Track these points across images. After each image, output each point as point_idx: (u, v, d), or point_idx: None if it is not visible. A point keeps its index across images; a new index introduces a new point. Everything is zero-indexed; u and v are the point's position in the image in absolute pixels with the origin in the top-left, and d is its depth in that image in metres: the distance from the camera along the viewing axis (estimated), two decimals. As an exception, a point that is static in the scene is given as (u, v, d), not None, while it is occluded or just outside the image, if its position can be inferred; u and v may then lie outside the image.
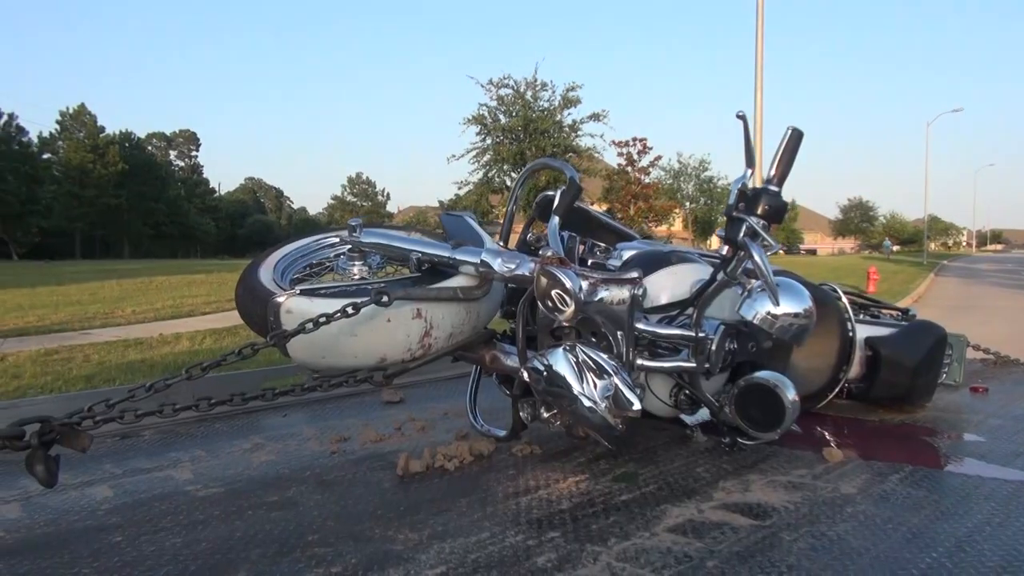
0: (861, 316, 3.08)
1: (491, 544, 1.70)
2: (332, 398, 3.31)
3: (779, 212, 1.97)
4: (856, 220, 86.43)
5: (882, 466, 2.25)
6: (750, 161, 2.00)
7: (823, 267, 23.90)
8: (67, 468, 2.15)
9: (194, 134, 73.28)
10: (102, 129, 53.93)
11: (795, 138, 1.98)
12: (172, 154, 70.84)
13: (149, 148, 63.97)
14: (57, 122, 53.35)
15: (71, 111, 53.36)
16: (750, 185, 2.01)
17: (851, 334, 2.75)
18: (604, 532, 1.75)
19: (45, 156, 50.42)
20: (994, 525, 1.78)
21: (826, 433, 2.66)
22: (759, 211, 1.95)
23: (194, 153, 72.74)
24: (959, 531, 1.74)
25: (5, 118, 44.35)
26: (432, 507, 1.95)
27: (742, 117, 1.99)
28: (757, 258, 1.93)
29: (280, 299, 2.11)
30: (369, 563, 1.60)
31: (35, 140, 49.50)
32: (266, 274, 2.36)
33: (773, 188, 1.98)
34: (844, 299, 2.89)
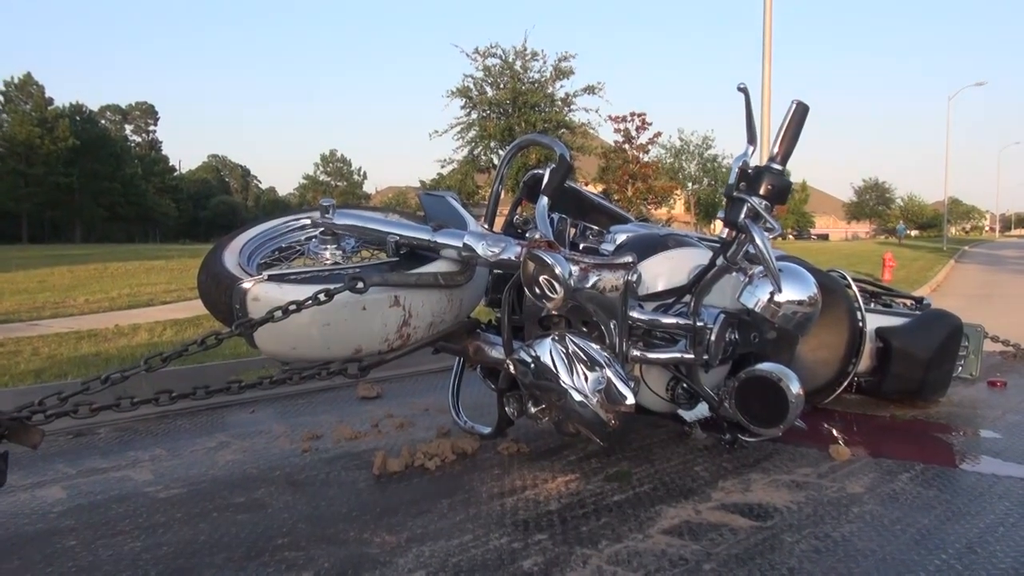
0: (872, 305, 3.12)
1: (474, 547, 1.72)
2: (303, 392, 3.32)
3: (782, 192, 1.99)
4: (871, 203, 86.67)
5: (892, 464, 2.29)
6: (752, 138, 2.02)
7: (835, 253, 24.07)
8: (16, 468, 2.16)
9: (152, 107, 72.64)
10: (51, 101, 53.36)
11: (800, 113, 2.00)
12: (128, 129, 70.24)
13: (103, 122, 63.37)
14: (1, 93, 52.93)
15: (16, 81, 52.76)
16: (752, 163, 2.03)
17: (861, 324, 2.79)
18: (595, 534, 1.78)
19: (-13, 130, 49.99)
20: (1008, 525, 1.82)
21: (833, 429, 2.70)
22: (761, 191, 1.97)
23: (152, 128, 72.18)
24: (970, 532, 1.78)
25: (-58, 89, 43.95)
26: (411, 508, 1.97)
27: (743, 90, 2.00)
28: (759, 241, 1.95)
29: (246, 285, 2.12)
30: (343, 567, 1.63)
31: (-25, 113, 49.14)
32: (231, 258, 2.37)
33: (776, 167, 2.00)
34: (854, 286, 2.92)
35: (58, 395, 1.74)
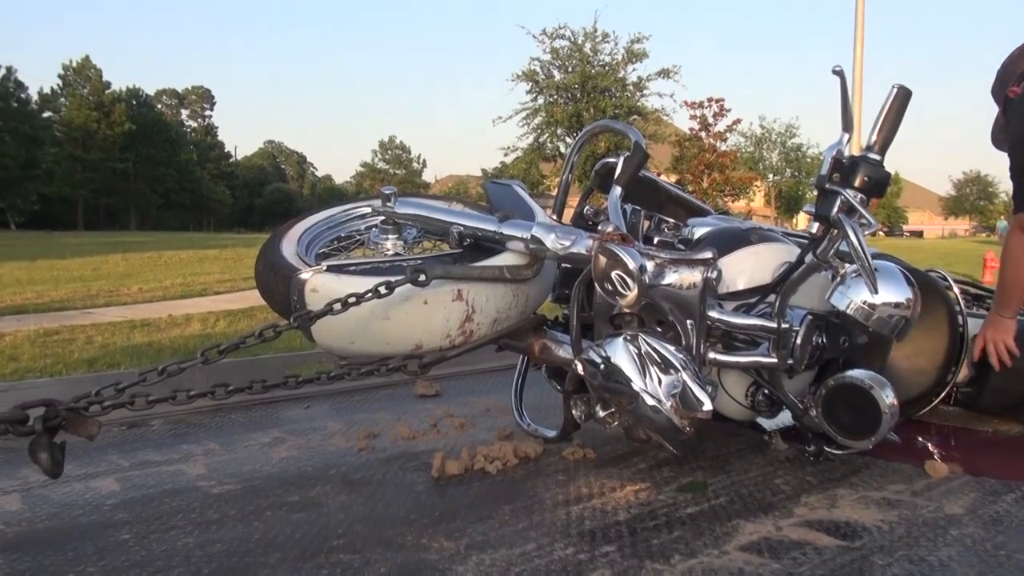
0: (975, 309, 3.02)
1: (537, 557, 1.72)
2: (360, 389, 3.37)
3: (880, 185, 1.93)
4: (972, 198, 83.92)
5: (994, 484, 2.22)
6: (847, 125, 1.97)
7: (931, 252, 23.36)
8: (70, 457, 2.23)
9: (208, 91, 74.61)
10: (108, 85, 55.25)
11: (901, 98, 1.94)
12: (184, 113, 72.31)
13: (159, 106, 65.38)
14: (59, 76, 54.85)
15: (74, 64, 54.75)
16: (847, 153, 1.98)
17: (962, 330, 2.70)
18: (666, 548, 1.76)
19: (45, 115, 51.91)
20: None
21: (929, 444, 2.62)
22: (856, 183, 1.92)
23: (208, 113, 74.17)
24: (1085, 561, 1.71)
25: (3, 72, 45.70)
26: (471, 514, 1.98)
27: (839, 73, 1.96)
28: (853, 238, 1.90)
29: (305, 276, 2.15)
30: (400, 573, 1.64)
31: (35, 97, 51.10)
32: (289, 248, 2.41)
33: (874, 157, 1.95)
34: (955, 288, 2.83)
35: (115, 386, 1.80)
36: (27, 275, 10.08)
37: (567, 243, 2.19)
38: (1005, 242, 2.55)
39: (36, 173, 46.21)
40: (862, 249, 1.91)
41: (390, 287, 2.03)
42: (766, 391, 2.23)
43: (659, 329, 2.09)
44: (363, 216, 2.76)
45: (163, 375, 1.82)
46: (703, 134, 32.24)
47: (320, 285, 2.13)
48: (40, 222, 43.47)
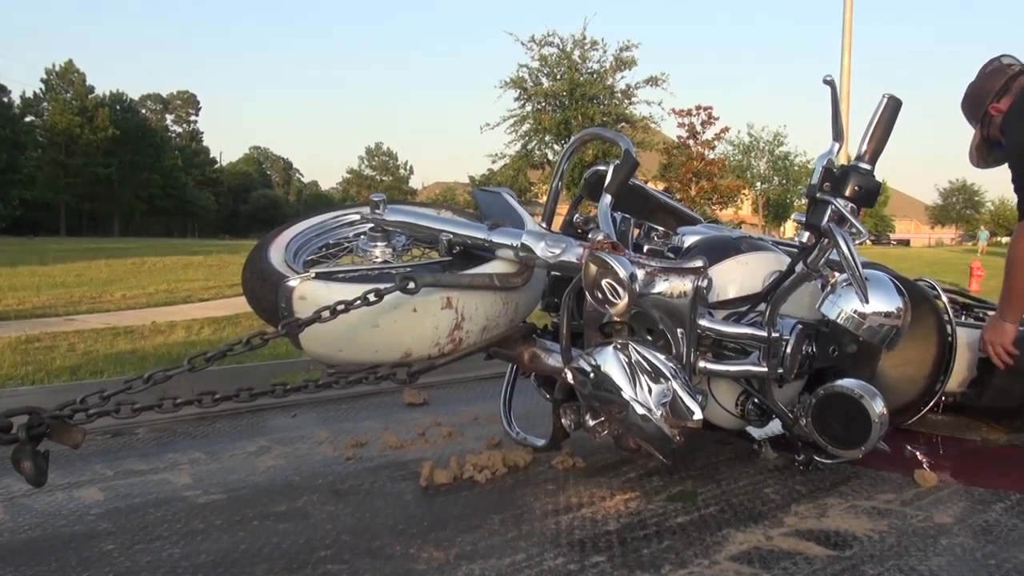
0: (963, 318, 3.04)
1: (527, 567, 1.72)
2: (348, 397, 3.36)
3: (870, 194, 1.95)
4: (958, 206, 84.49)
5: (984, 493, 2.23)
6: (837, 134, 1.98)
7: (918, 260, 23.50)
8: (53, 466, 2.21)
9: (193, 96, 74.46)
10: (91, 89, 54.99)
11: (892, 108, 1.95)
12: (168, 118, 72.08)
13: (143, 111, 65.11)
14: (42, 81, 54.61)
15: (57, 68, 54.45)
16: (837, 162, 1.99)
17: (950, 339, 2.71)
18: (657, 558, 1.76)
19: (28, 119, 51.62)
20: (1117, 565, 1.75)
21: (918, 453, 2.64)
22: (847, 192, 1.94)
23: (193, 118, 73.97)
24: (1075, 571, 1.72)
25: (-16, 75, 45.45)
26: (460, 523, 1.98)
27: (830, 82, 1.97)
28: (844, 247, 1.91)
29: (293, 283, 2.15)
30: (389, 583, 1.64)
31: (17, 101, 50.77)
32: (277, 255, 2.40)
33: (864, 166, 1.96)
34: (944, 297, 2.85)
35: (100, 394, 1.78)
36: (8, 281, 10.00)
37: (557, 251, 2.19)
38: (1010, 250, 2.59)
39: (18, 178, 45.81)
40: (853, 258, 1.93)
41: (379, 295, 2.03)
42: (756, 400, 2.24)
43: (649, 338, 2.09)
44: (352, 223, 2.76)
45: (149, 383, 1.81)
46: (691, 142, 32.40)
47: (308, 292, 2.12)
48: (22, 227, 43.14)
